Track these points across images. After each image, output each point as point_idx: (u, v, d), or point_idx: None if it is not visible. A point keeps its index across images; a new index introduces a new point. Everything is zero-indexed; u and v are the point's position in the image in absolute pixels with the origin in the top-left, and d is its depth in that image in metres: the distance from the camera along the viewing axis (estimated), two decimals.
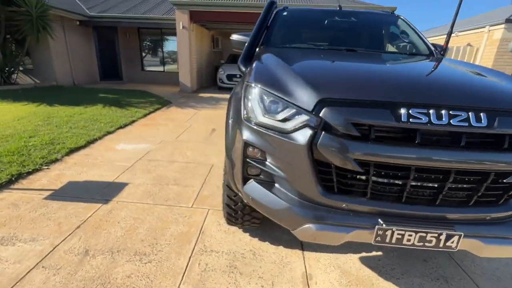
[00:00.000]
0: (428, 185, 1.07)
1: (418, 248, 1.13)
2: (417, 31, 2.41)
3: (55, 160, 3.01)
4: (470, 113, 0.98)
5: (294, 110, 1.12)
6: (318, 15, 2.62)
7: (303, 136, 1.08)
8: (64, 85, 8.68)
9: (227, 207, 1.71)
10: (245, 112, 1.31)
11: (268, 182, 1.31)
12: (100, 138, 3.82)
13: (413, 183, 1.05)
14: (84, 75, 9.72)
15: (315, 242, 1.23)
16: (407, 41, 2.41)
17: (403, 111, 0.99)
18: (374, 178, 1.07)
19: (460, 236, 1.08)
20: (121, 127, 4.37)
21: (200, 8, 7.63)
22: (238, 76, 9.00)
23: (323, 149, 1.04)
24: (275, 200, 1.24)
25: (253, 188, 1.32)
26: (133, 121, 4.77)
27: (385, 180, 1.08)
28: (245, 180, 1.35)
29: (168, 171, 2.91)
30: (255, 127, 1.24)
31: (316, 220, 1.14)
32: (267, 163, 1.25)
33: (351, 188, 1.13)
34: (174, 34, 10.24)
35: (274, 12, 2.55)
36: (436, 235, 1.08)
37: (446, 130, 0.99)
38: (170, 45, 10.89)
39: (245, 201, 1.41)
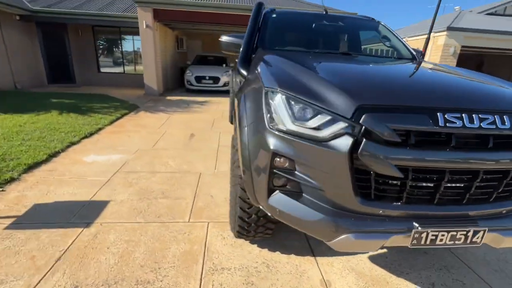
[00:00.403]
0: (458, 185, 1.11)
1: (448, 246, 1.17)
2: (398, 37, 2.57)
3: (11, 180, 2.54)
4: (496, 116, 1.04)
5: (329, 117, 1.08)
6: (307, 18, 2.63)
7: (343, 144, 1.03)
8: (3, 89, 7.49)
9: (240, 220, 1.59)
10: (269, 120, 1.22)
11: (295, 193, 1.24)
12: (63, 150, 3.35)
13: (447, 185, 1.09)
14: (29, 78, 8.52)
15: (351, 251, 1.20)
16: (388, 45, 2.55)
17: (439, 115, 1.01)
18: (411, 183, 1.07)
19: (484, 231, 1.14)
20: (86, 136, 3.89)
21: (166, 6, 7.22)
22: (207, 78, 8.75)
23: (364, 156, 1.01)
24: (308, 212, 1.18)
25: (280, 200, 1.24)
26: (100, 129, 4.29)
27: (421, 184, 1.09)
28: (270, 192, 1.26)
29: (152, 184, 2.66)
30: (284, 136, 1.16)
31: (355, 230, 1.11)
32: (296, 173, 1.18)
33: (387, 194, 1.12)
34: (134, 33, 9.58)
35: (263, 14, 2.50)
36: (465, 232, 1.13)
37: (477, 133, 1.04)
38: (130, 44, 10.14)
39: (269, 214, 1.32)
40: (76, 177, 2.70)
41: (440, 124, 1.00)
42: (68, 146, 3.47)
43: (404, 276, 1.71)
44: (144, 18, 7.25)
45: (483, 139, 1.06)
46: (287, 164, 1.19)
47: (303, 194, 1.23)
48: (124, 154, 3.36)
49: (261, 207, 1.36)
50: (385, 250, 1.94)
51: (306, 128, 1.12)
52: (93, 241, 1.82)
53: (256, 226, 1.61)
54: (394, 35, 2.57)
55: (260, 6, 2.46)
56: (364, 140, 1.01)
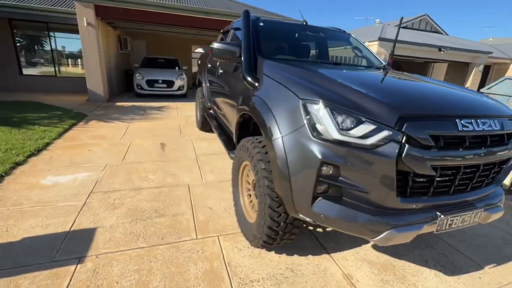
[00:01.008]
0: (466, 176, 1.36)
1: (458, 228, 1.41)
2: (367, 47, 2.91)
3: None
4: (490, 120, 1.32)
5: (374, 126, 1.19)
6: (292, 28, 2.75)
7: (390, 150, 1.16)
8: None
9: (268, 230, 1.60)
10: (312, 130, 1.27)
11: (336, 197, 1.32)
12: (7, 173, 2.74)
13: (461, 177, 1.32)
14: None
15: (392, 244, 1.34)
16: (360, 55, 2.87)
17: (458, 122, 1.23)
18: (438, 178, 1.27)
19: (481, 211, 1.42)
20: (33, 154, 3.25)
21: (110, 3, 6.49)
22: (160, 81, 8.21)
23: (408, 160, 1.16)
24: (353, 214, 1.27)
25: (325, 206, 1.31)
26: (48, 144, 3.62)
27: (444, 178, 1.30)
28: (314, 199, 1.32)
29: (140, 202, 2.41)
30: (331, 145, 1.23)
31: (396, 224, 1.25)
32: (340, 178, 1.27)
33: (418, 190, 1.30)
34: (67, 30, 8.37)
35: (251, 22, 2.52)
36: (470, 215, 1.39)
37: (481, 134, 1.29)
38: (64, 43, 8.79)
39: (311, 220, 1.37)
40: (40, 205, 2.25)
41: (459, 128, 1.22)
42: (12, 168, 2.85)
43: (403, 258, 1.97)
44: (85, 14, 6.38)
45: (483, 139, 1.32)
46: (331, 171, 1.27)
47: (343, 198, 1.32)
48: (92, 171, 2.94)
49: (301, 215, 1.40)
50: None
51: (352, 137, 1.21)
52: (95, 278, 1.57)
53: (283, 233, 1.64)
54: (364, 46, 2.91)
55: (248, 14, 2.48)
56: (406, 145, 1.16)
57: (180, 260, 1.76)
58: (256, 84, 1.82)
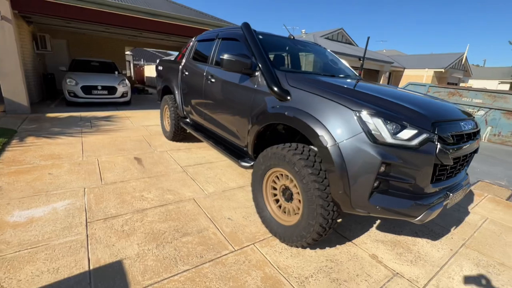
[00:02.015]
0: (461, 163, 1.84)
1: (455, 203, 1.89)
2: (342, 60, 3.39)
3: None
4: (470, 122, 1.83)
5: (416, 131, 1.51)
6: (285, 42, 2.96)
7: (430, 148, 1.51)
8: None
9: (320, 228, 1.77)
10: (370, 136, 1.52)
11: (385, 190, 1.61)
12: None
13: (460, 164, 1.79)
14: None
15: (427, 221, 1.69)
16: (342, 67, 3.29)
17: (460, 124, 1.68)
18: (451, 166, 1.69)
19: (465, 188, 1.95)
20: None
21: None
22: (100, 88, 7.20)
23: (440, 154, 1.53)
24: (402, 202, 1.58)
25: (379, 199, 1.58)
26: None
27: (453, 166, 1.74)
28: (371, 194, 1.57)
29: (153, 224, 2.21)
30: (386, 147, 1.50)
31: (429, 205, 1.62)
32: (391, 174, 1.55)
33: (439, 177, 1.70)
34: None
35: None
36: (462, 191, 1.89)
37: (469, 132, 1.79)
38: None
39: (366, 212, 1.61)
40: (28, 247, 1.82)
41: (462, 129, 1.67)
42: None
43: (402, 234, 2.43)
44: None
45: (469, 135, 1.83)
46: (385, 169, 1.54)
47: (389, 190, 1.62)
48: (71, 198, 2.49)
49: (357, 209, 1.63)
50: (377, 221, 2.63)
51: (401, 140, 1.51)
52: None
53: (329, 228, 1.84)
54: (339, 59, 3.37)
55: (250, 27, 2.57)
56: (438, 144, 1.53)
57: (233, 274, 1.75)
58: (288, 97, 1.97)
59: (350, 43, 19.91)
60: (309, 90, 1.88)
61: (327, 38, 17.73)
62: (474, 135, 1.90)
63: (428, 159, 1.53)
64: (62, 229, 2.04)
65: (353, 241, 2.25)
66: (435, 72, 16.70)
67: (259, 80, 2.32)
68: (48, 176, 2.91)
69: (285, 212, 2.13)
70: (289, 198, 2.08)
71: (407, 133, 1.53)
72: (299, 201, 1.95)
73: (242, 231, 2.23)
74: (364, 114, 1.57)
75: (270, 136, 2.42)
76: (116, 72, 8.28)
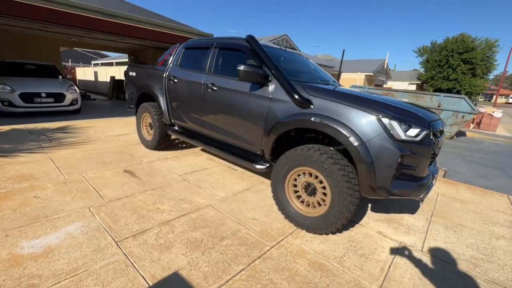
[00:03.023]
0: (436, 154, 2.43)
1: (432, 186, 2.48)
2: (321, 68, 3.85)
3: None
4: (441, 120, 2.43)
5: (419, 129, 1.98)
6: (282, 54, 3.23)
7: (429, 142, 2.00)
8: None
9: (349, 213, 2.12)
10: (390, 135, 1.93)
11: (399, 176, 2.05)
12: None
13: (436, 154, 2.37)
14: None
15: (424, 198, 2.19)
16: (323, 75, 3.74)
17: (435, 123, 2.24)
18: (434, 155, 2.25)
19: (437, 174, 2.56)
20: None
21: None
22: (44, 95, 6.23)
23: (434, 146, 2.04)
24: (411, 184, 2.05)
25: (396, 184, 2.02)
26: None
27: (433, 155, 2.30)
28: (391, 180, 1.98)
29: (187, 234, 2.23)
30: (402, 143, 1.93)
31: (426, 184, 2.13)
32: (404, 163, 2.00)
33: (430, 163, 2.23)
34: None
35: None
36: (436, 176, 2.49)
37: (442, 129, 2.38)
38: None
39: (386, 196, 2.03)
40: (67, 277, 1.66)
41: (441, 127, 2.24)
42: None
43: (390, 212, 2.99)
44: None
45: (441, 131, 2.43)
46: (401, 160, 1.98)
47: (401, 176, 2.07)
48: (80, 220, 2.28)
49: (380, 194, 2.02)
50: (370, 204, 3.15)
51: (410, 136, 1.96)
52: None
53: (354, 213, 2.20)
54: (319, 67, 3.83)
55: (254, 38, 2.77)
56: (433, 138, 2.04)
57: (283, 265, 1.96)
58: (311, 105, 2.27)
59: (293, 49, 21.47)
60: (331, 99, 2.21)
61: (274, 44, 18.77)
62: (443, 131, 2.54)
63: (428, 150, 2.03)
64: (93, 253, 1.90)
65: (359, 223, 2.69)
66: (365, 75, 19.45)
67: (275, 89, 2.55)
68: (35, 200, 2.55)
69: (308, 206, 2.42)
70: (312, 193, 2.37)
71: (413, 131, 1.99)
72: (324, 194, 2.27)
73: (270, 228, 2.43)
74: (384, 118, 1.98)
75: (284, 140, 2.67)
76: (60, 77, 7.26)
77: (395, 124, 1.97)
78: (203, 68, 3.37)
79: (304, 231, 2.42)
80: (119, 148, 4.40)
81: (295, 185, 2.48)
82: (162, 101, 3.97)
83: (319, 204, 2.34)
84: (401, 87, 32.35)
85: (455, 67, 28.33)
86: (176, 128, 4.00)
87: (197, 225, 2.37)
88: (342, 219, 2.16)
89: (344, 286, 1.80)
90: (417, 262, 2.12)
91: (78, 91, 7.04)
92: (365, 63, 21.39)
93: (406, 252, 2.24)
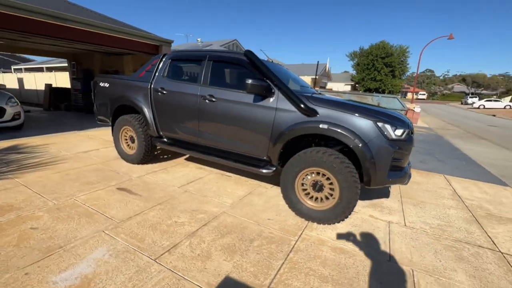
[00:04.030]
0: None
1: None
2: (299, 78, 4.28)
3: None
4: (411, 122, 3.08)
5: (403, 130, 2.52)
6: (274, 67, 3.50)
7: (411, 139, 2.57)
8: None
9: (356, 203, 2.55)
10: (385, 135, 2.42)
11: (391, 169, 2.57)
12: None
13: None
14: None
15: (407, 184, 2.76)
16: (306, 85, 4.17)
17: (411, 123, 2.85)
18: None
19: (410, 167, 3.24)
20: None
21: None
22: None
23: (413, 142, 2.62)
24: (399, 173, 2.59)
25: (390, 174, 2.53)
26: None
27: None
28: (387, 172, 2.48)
29: (217, 241, 2.34)
30: (393, 142, 2.44)
31: (408, 173, 2.71)
32: (394, 157, 2.52)
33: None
34: None
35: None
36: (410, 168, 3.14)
37: (413, 129, 3.02)
38: None
39: (382, 185, 2.52)
40: None
41: (411, 127, 2.85)
42: None
43: (372, 198, 3.57)
44: None
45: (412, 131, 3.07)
46: (393, 155, 2.49)
47: (392, 168, 2.59)
48: (102, 245, 2.17)
49: (378, 184, 2.50)
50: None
51: (397, 136, 2.49)
52: None
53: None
54: (298, 76, 4.26)
55: (253, 53, 3.01)
56: (412, 136, 2.61)
57: (313, 254, 2.26)
58: (316, 113, 2.62)
59: None
60: (333, 108, 2.61)
61: (226, 47, 18.96)
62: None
63: (409, 145, 2.60)
64: (137, 274, 1.88)
65: (354, 210, 3.17)
66: (312, 78, 21.24)
67: (279, 100, 2.84)
68: (35, 232, 2.30)
69: (317, 201, 2.78)
70: (319, 189, 2.74)
71: (399, 132, 2.53)
72: (331, 189, 2.66)
73: (287, 225, 2.71)
74: (379, 122, 2.46)
75: (290, 145, 2.98)
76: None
77: (387, 126, 2.47)
78: (197, 80, 3.44)
79: (315, 223, 2.77)
80: (98, 166, 4.07)
81: (303, 184, 2.82)
82: (147, 113, 3.86)
83: (327, 198, 2.72)
84: (339, 88, 36.16)
85: (379, 69, 33.01)
86: (165, 139, 3.93)
87: (222, 232, 2.49)
88: (350, 209, 2.58)
89: (364, 262, 2.20)
90: (406, 235, 2.68)
91: (19, 103, 6.07)
92: (310, 67, 23.41)
93: (396, 229, 2.79)
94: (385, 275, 2.07)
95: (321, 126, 2.58)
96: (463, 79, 64.41)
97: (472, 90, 60.85)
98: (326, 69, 23.91)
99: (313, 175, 2.73)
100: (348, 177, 2.50)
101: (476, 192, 4.10)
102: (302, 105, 2.66)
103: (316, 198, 2.78)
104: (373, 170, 2.47)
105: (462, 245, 2.56)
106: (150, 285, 1.79)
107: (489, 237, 2.75)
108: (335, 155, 2.55)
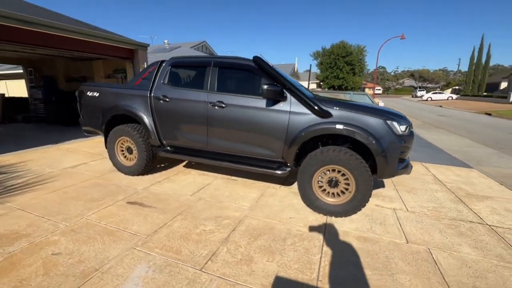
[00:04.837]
0: None
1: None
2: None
3: None
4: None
5: (406, 125, 2.83)
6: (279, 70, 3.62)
7: (411, 134, 2.89)
8: None
9: (370, 195, 2.80)
10: (395, 132, 2.70)
11: (398, 160, 2.87)
12: None
13: None
14: None
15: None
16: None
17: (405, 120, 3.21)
18: None
19: None
20: None
21: None
22: None
23: (413, 137, 2.96)
24: (404, 164, 2.91)
25: (398, 165, 2.83)
26: None
27: None
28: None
29: (252, 244, 2.41)
30: (400, 137, 2.75)
31: (409, 164, 3.04)
32: (402, 150, 2.82)
33: None
34: None
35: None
36: None
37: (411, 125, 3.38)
38: None
39: (392, 176, 2.81)
40: None
41: (410, 123, 3.20)
42: None
43: (373, 189, 3.91)
44: None
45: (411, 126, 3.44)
46: (400, 149, 2.79)
47: (399, 160, 2.90)
48: (139, 262, 2.11)
49: (389, 176, 2.79)
50: None
51: (403, 131, 2.79)
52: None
53: None
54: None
55: (263, 59, 3.11)
56: (413, 131, 2.95)
57: (344, 245, 2.45)
58: (331, 116, 2.82)
59: (212, 54, 21.83)
60: (345, 109, 2.83)
61: (195, 49, 18.63)
62: None
63: (411, 139, 2.93)
64: (189, 285, 1.88)
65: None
66: None
67: (293, 103, 2.98)
68: (59, 257, 2.13)
69: (333, 196, 2.99)
70: (335, 185, 2.95)
71: (403, 128, 2.84)
72: (346, 184, 2.88)
73: (309, 222, 2.87)
74: (388, 121, 2.74)
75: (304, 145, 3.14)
76: None
77: (394, 123, 2.77)
78: (203, 87, 3.42)
79: (333, 217, 2.98)
80: (95, 180, 3.82)
81: (319, 181, 3.00)
82: (148, 122, 3.72)
83: (343, 193, 2.94)
84: (305, 86, 37.49)
85: (341, 68, 35.08)
86: (168, 148, 3.83)
87: (254, 235, 2.56)
88: (366, 200, 2.83)
89: (388, 246, 2.45)
90: (411, 218, 3.01)
91: None
92: (282, 67, 24.07)
93: (402, 214, 3.12)
94: (409, 255, 2.33)
95: (337, 126, 2.79)
96: (411, 75, 71.35)
97: (420, 84, 67.70)
98: (295, 69, 24.76)
99: (328, 172, 2.93)
100: (363, 171, 2.74)
101: (451, 175, 4.70)
102: (317, 108, 2.84)
103: (332, 194, 2.98)
104: (385, 163, 2.74)
105: (458, 223, 2.96)
106: None
107: (475, 213, 3.22)
108: (350, 153, 2.78)
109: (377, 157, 2.76)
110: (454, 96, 39.72)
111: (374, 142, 2.71)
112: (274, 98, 2.97)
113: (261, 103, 3.11)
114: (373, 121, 2.77)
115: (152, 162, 4.01)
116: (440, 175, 4.67)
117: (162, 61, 3.80)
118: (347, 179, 2.87)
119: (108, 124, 4.04)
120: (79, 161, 4.75)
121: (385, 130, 2.75)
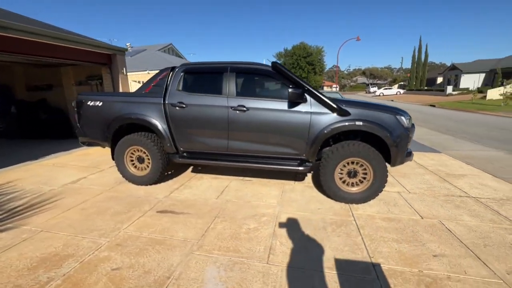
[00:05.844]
0: None
1: None
2: None
3: None
4: None
5: (409, 119, 3.30)
6: None
7: (413, 126, 3.38)
8: None
9: (386, 182, 3.21)
10: (405, 125, 3.14)
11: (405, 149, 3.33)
12: None
13: None
14: None
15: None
16: None
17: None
18: None
19: None
20: None
21: None
22: None
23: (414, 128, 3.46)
24: (409, 153, 3.38)
25: (406, 154, 3.28)
26: None
27: None
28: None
29: (305, 232, 2.62)
30: (407, 129, 3.19)
31: (411, 152, 3.55)
32: (408, 141, 3.29)
33: None
34: None
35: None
36: None
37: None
38: None
39: (400, 164, 3.26)
40: None
41: (410, 117, 3.71)
42: None
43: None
44: None
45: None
46: (408, 139, 3.25)
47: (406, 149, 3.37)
48: (209, 264, 2.18)
49: (398, 164, 3.23)
50: None
51: (408, 124, 3.26)
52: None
53: None
54: None
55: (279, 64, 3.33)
56: (413, 123, 3.45)
57: (374, 226, 2.80)
58: (350, 114, 3.15)
59: (180, 57, 21.22)
60: (361, 108, 3.20)
61: (163, 51, 17.94)
62: None
63: (414, 130, 3.42)
64: (265, 277, 2.03)
65: None
66: None
67: (313, 104, 3.26)
68: (122, 271, 2.08)
69: (353, 186, 3.34)
70: (354, 175, 3.31)
71: (408, 121, 3.31)
72: (364, 173, 3.26)
73: (337, 210, 3.18)
74: (397, 116, 3.18)
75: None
76: None
77: (402, 118, 3.22)
78: (222, 92, 3.51)
79: (354, 204, 3.33)
80: (108, 194, 3.63)
81: (339, 173, 3.33)
82: (162, 129, 3.68)
83: (361, 182, 3.31)
84: None
85: (303, 67, 36.82)
86: (184, 154, 3.83)
87: (295, 227, 2.78)
88: (383, 186, 3.24)
89: (409, 222, 2.88)
90: (416, 198, 3.52)
91: None
92: None
93: (407, 196, 3.62)
94: (428, 228, 2.78)
95: (357, 123, 3.15)
96: (363, 72, 77.71)
97: (371, 81, 74.11)
98: None
99: (347, 165, 3.28)
100: (380, 161, 3.14)
101: (428, 160, 5.46)
102: (337, 108, 3.16)
103: (352, 183, 3.34)
104: (397, 152, 3.18)
105: (451, 198, 3.55)
106: (286, 283, 1.98)
107: (460, 189, 3.87)
108: (367, 146, 3.15)
109: (392, 148, 3.18)
110: (402, 91, 44.50)
111: (388, 135, 3.13)
112: (297, 100, 3.22)
113: (283, 105, 3.33)
114: (386, 117, 3.18)
115: (166, 170, 3.95)
116: (419, 161, 5.40)
117: (173, 68, 3.78)
118: (365, 169, 3.25)
119: (115, 134, 3.86)
120: (75, 176, 4.41)
121: (396, 124, 3.18)
